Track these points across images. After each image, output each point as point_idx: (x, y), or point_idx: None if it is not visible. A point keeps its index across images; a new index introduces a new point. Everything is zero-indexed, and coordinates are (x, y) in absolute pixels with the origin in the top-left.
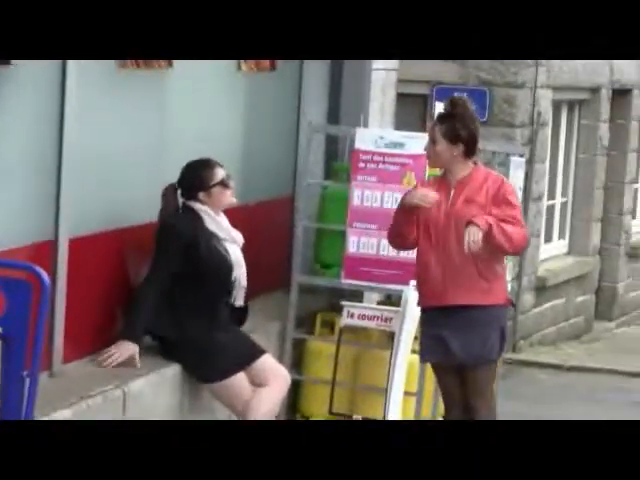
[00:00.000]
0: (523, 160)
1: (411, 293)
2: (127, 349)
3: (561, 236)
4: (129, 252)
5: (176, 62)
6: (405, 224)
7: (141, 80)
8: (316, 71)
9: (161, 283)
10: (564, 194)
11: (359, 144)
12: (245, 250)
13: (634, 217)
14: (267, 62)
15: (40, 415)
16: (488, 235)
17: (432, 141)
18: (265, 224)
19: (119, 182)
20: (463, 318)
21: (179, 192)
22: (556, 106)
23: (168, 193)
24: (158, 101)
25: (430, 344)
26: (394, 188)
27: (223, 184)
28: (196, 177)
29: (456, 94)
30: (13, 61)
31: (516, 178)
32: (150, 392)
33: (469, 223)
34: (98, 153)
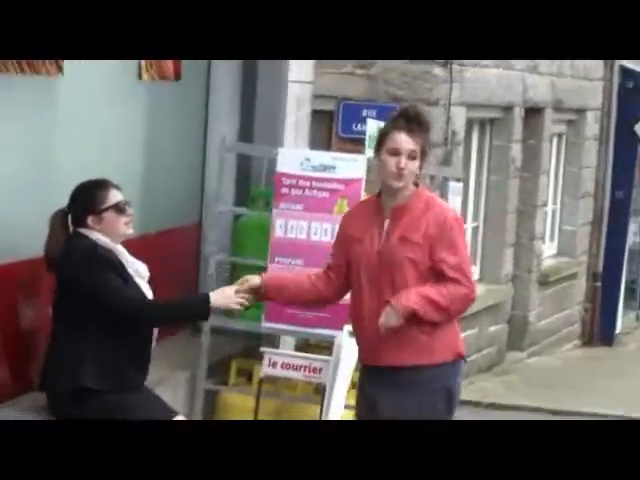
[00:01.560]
0: (461, 185)
1: (345, 339)
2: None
3: (471, 263)
4: (14, 292)
5: (67, 69)
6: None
7: (26, 88)
8: (226, 82)
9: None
10: (475, 218)
11: (282, 166)
12: None
13: (544, 242)
14: (170, 71)
15: None
16: (414, 317)
17: (408, 156)
18: (168, 256)
19: None
20: (397, 379)
21: (69, 218)
22: (468, 125)
23: (56, 220)
24: (45, 114)
25: (359, 400)
26: (323, 218)
27: (118, 209)
28: (87, 199)
29: (365, 111)
30: None
31: (454, 205)
32: None
33: (388, 303)
34: None
